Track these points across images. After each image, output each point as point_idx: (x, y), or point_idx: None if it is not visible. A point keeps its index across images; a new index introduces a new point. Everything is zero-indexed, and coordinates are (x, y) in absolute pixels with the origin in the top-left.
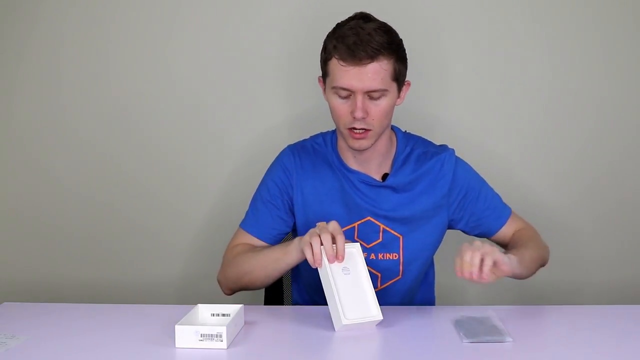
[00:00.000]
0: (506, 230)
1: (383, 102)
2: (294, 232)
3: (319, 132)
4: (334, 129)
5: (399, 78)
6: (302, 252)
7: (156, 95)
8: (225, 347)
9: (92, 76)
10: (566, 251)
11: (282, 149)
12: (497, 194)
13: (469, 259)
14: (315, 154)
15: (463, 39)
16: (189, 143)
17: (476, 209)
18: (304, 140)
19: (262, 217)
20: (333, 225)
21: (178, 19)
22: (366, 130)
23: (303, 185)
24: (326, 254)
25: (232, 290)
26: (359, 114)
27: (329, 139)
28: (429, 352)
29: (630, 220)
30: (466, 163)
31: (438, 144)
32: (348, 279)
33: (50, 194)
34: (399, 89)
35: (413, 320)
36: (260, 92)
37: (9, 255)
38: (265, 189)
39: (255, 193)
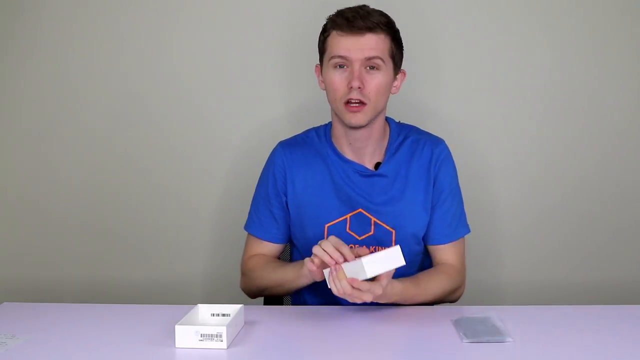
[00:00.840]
0: (440, 250)
1: (379, 76)
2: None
3: (311, 127)
4: (326, 122)
5: (395, 59)
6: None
7: (157, 93)
8: (225, 347)
9: (98, 73)
10: (554, 248)
11: (277, 143)
12: (461, 210)
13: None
14: (306, 147)
15: (459, 32)
16: (189, 140)
17: (436, 214)
18: (296, 135)
19: (265, 219)
20: (333, 241)
21: (181, 16)
22: (362, 103)
23: (295, 178)
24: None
25: (255, 297)
26: (355, 83)
27: (322, 131)
28: (429, 352)
29: (621, 219)
30: (453, 164)
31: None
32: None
33: (50, 194)
34: (395, 72)
35: (413, 320)
36: (261, 85)
37: (10, 255)
38: (264, 190)
39: (255, 193)
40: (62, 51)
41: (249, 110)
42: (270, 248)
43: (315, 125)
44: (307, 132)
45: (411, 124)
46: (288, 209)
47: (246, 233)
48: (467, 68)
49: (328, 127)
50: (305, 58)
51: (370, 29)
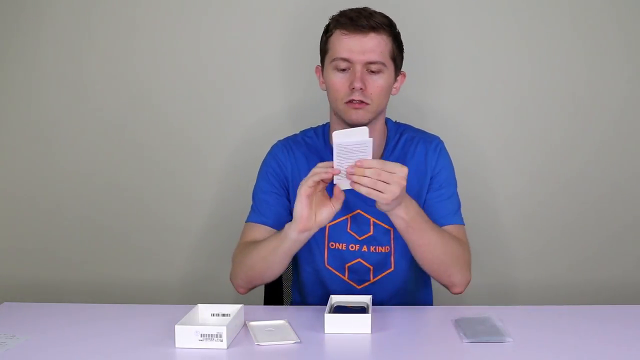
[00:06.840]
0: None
1: (381, 80)
2: None
3: (309, 127)
4: (324, 123)
5: (396, 61)
6: (297, 232)
7: (157, 93)
8: (225, 347)
9: (100, 71)
10: (554, 249)
11: (276, 141)
12: (457, 201)
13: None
14: (307, 147)
15: (458, 31)
16: (188, 140)
17: (431, 196)
18: (295, 135)
19: (265, 207)
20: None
21: (183, 12)
22: (364, 102)
23: (295, 177)
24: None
25: (244, 288)
26: (357, 84)
27: (321, 132)
28: (429, 352)
29: (621, 218)
30: (449, 157)
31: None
32: None
33: (49, 194)
34: (396, 74)
35: (413, 320)
36: (259, 83)
37: (9, 255)
38: (264, 181)
39: (254, 189)
40: (66, 48)
41: (248, 109)
42: (265, 232)
43: (314, 124)
44: (305, 132)
45: (409, 123)
46: (289, 202)
47: None
48: (465, 67)
49: (326, 128)
50: (304, 55)
51: (373, 29)
